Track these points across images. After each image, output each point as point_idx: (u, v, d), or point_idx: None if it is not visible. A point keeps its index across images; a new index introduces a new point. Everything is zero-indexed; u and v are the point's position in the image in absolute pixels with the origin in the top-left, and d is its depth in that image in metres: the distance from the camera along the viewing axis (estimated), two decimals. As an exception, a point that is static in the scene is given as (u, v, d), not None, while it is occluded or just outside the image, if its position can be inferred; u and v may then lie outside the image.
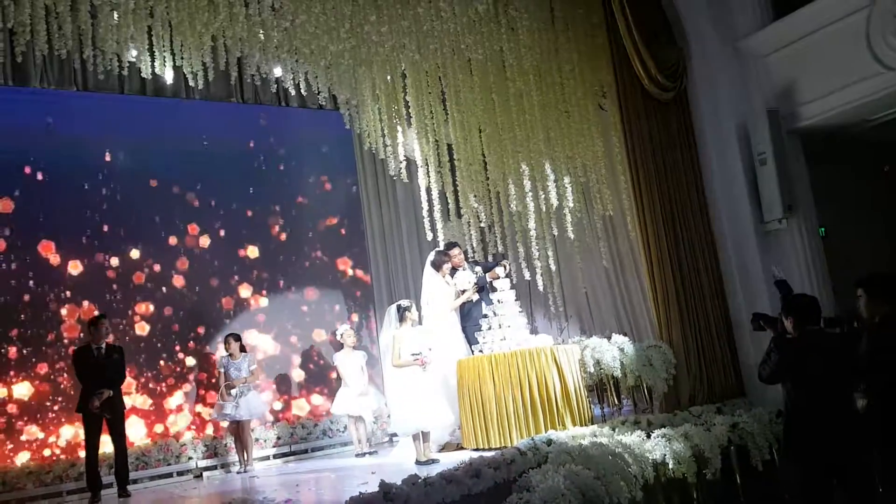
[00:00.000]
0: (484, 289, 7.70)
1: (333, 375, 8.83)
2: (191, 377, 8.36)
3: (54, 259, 7.90)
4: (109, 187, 8.29)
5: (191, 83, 6.96)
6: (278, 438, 8.51)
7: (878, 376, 4.22)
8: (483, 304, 7.50)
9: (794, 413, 4.34)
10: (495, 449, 6.18)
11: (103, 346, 7.08)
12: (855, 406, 4.27)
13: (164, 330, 8.31)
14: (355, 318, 9.50)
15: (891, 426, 4.14)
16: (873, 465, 4.21)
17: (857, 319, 4.58)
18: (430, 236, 8.24)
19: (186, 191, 8.73)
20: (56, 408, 7.59)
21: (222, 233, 8.86)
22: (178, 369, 8.30)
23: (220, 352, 8.18)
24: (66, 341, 7.77)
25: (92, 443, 6.90)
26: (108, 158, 8.33)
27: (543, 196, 7.93)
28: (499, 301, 7.16)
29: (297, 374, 9.03)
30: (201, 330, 8.53)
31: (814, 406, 4.19)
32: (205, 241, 8.74)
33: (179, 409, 8.22)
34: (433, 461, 6.31)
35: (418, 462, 6.33)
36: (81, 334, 7.74)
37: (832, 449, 4.11)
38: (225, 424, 8.02)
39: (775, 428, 5.90)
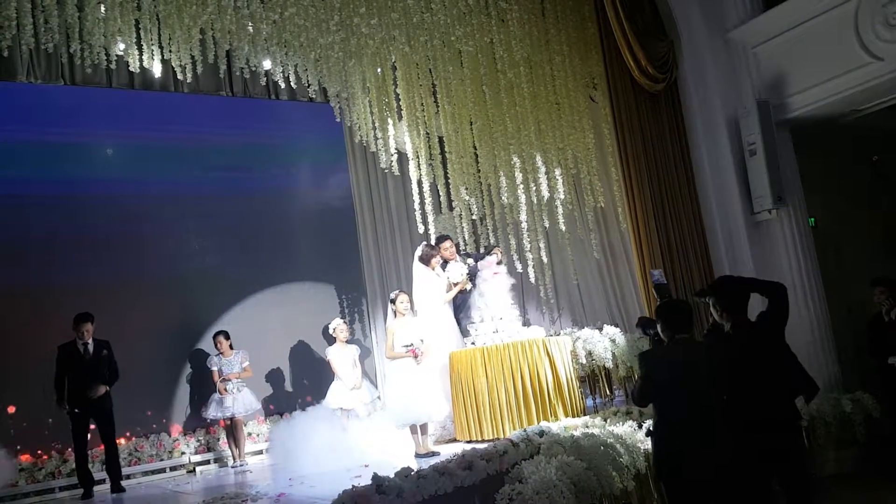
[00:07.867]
0: (475, 278, 7.69)
1: (326, 369, 8.82)
2: (184, 373, 8.34)
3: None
4: (99, 183, 8.24)
5: (179, 76, 6.92)
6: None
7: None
8: (476, 296, 7.49)
9: (661, 429, 3.98)
10: (488, 441, 6.18)
11: (90, 342, 6.98)
12: (722, 419, 3.90)
13: (156, 325, 8.26)
14: (347, 311, 9.48)
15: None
16: (750, 482, 3.90)
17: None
18: (421, 229, 8.23)
19: (175, 185, 8.66)
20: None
21: (212, 226, 8.80)
22: (170, 366, 8.27)
23: (211, 349, 8.14)
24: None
25: (80, 440, 6.86)
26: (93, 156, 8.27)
27: (535, 188, 7.94)
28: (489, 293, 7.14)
29: (289, 369, 9.00)
30: (192, 325, 8.49)
31: (681, 421, 3.85)
32: (194, 235, 8.69)
33: (172, 403, 8.20)
34: (433, 454, 6.23)
35: (418, 455, 6.27)
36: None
37: (700, 467, 3.78)
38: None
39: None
